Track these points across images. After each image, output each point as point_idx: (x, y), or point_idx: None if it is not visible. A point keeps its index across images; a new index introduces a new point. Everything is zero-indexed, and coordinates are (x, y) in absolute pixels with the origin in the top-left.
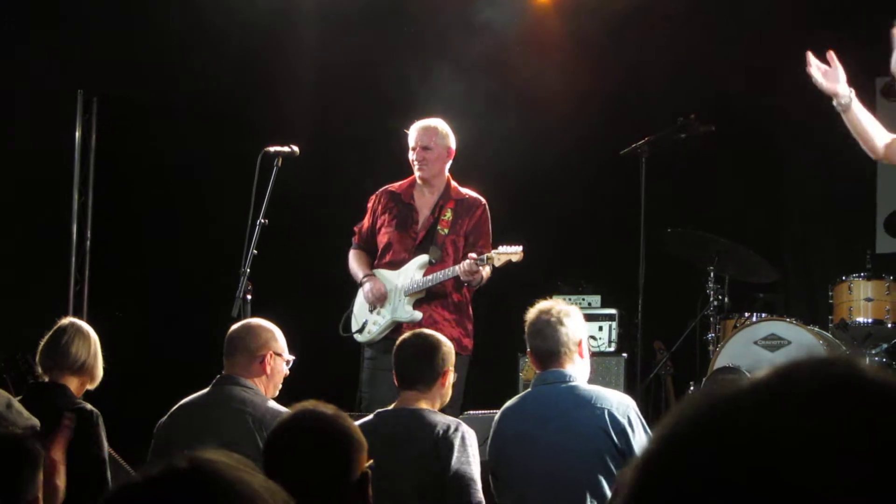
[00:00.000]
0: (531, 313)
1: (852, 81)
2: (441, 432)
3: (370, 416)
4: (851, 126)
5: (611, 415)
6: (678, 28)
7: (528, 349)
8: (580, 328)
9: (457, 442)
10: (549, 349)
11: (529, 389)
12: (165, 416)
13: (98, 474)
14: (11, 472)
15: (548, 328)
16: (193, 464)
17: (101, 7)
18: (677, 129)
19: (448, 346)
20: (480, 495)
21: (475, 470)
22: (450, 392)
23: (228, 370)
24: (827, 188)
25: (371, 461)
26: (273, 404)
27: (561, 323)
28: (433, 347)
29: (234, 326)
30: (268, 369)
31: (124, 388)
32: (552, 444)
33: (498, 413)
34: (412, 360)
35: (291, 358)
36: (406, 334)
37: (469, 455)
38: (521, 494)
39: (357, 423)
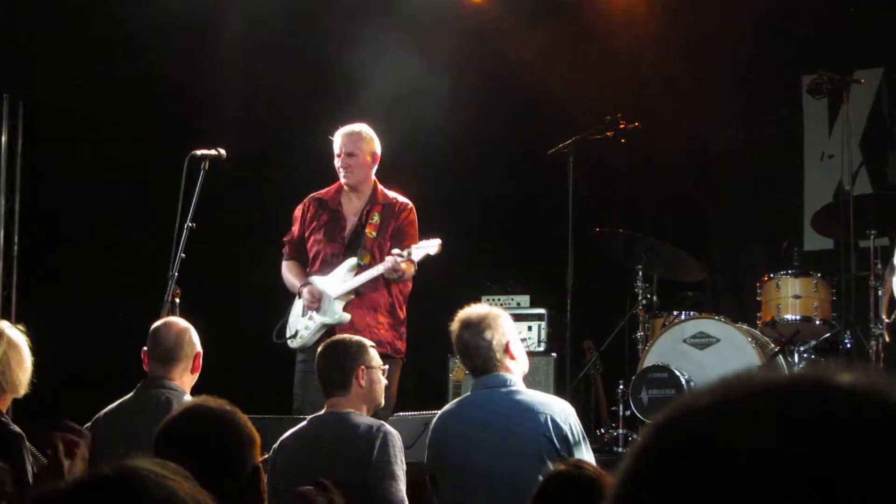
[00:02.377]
0: (454, 326)
1: (779, 80)
2: (363, 434)
3: (303, 423)
4: None
5: (553, 421)
6: (605, 24)
7: (460, 357)
8: (506, 332)
9: (378, 442)
10: (479, 364)
11: (468, 393)
12: (90, 422)
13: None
14: None
15: (472, 342)
16: (119, 470)
17: (23, 9)
18: (604, 127)
19: (355, 345)
20: (402, 494)
21: (397, 470)
22: (376, 389)
23: (158, 373)
24: (754, 185)
25: (265, 455)
26: (188, 398)
27: (482, 334)
28: (337, 350)
29: (164, 333)
30: (199, 367)
31: (55, 391)
32: (494, 447)
33: (435, 417)
34: (323, 367)
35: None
36: (322, 343)
37: (390, 455)
38: (462, 497)
39: (292, 430)
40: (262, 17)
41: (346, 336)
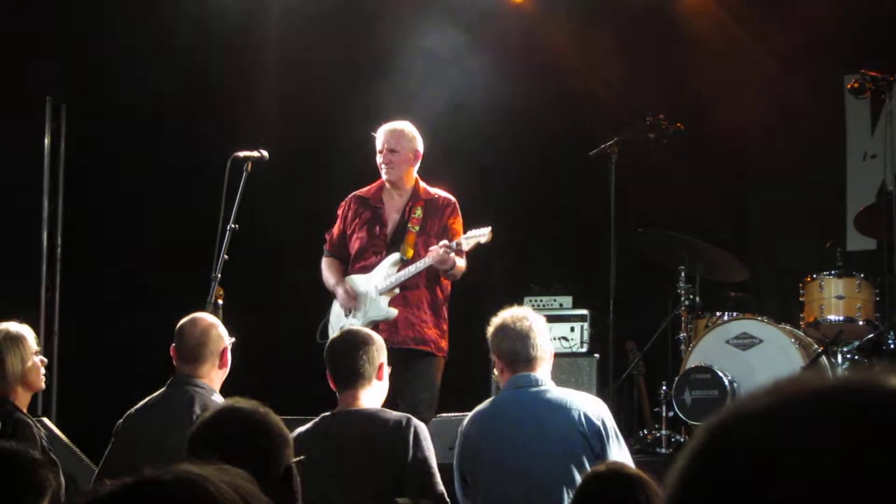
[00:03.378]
0: (501, 318)
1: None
2: (394, 429)
3: (316, 420)
4: None
5: (586, 417)
6: (646, 27)
7: (496, 352)
8: (545, 333)
9: (410, 436)
10: (524, 354)
11: (500, 394)
12: (122, 418)
13: None
14: (15, 495)
15: (521, 333)
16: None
17: (68, 13)
18: (646, 128)
19: (379, 340)
20: (441, 486)
21: (433, 462)
22: (387, 384)
23: (185, 371)
24: (797, 185)
25: (302, 457)
26: (218, 397)
27: (533, 329)
28: (365, 342)
29: (189, 330)
30: (227, 363)
31: (98, 390)
32: (527, 445)
33: (467, 418)
34: (346, 357)
35: (233, 339)
36: (336, 335)
37: (423, 448)
38: (497, 496)
39: (301, 428)
40: (302, 16)
41: (365, 329)
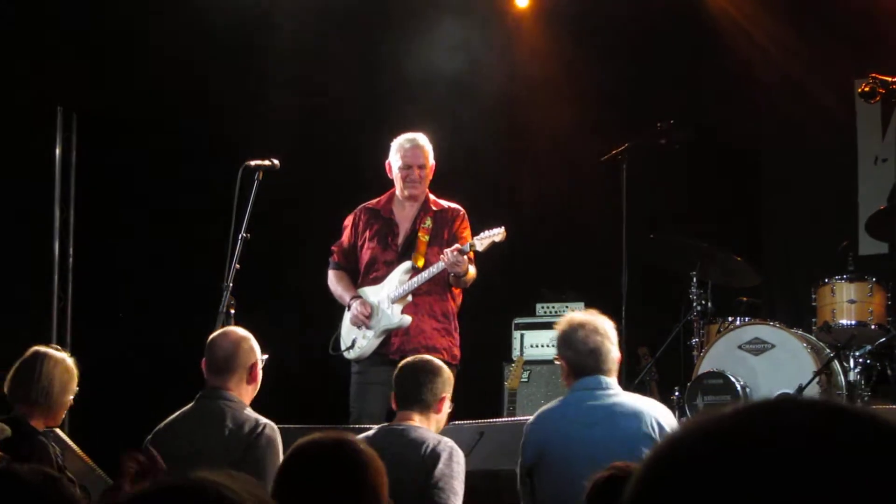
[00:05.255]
0: (570, 325)
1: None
2: (430, 445)
3: (374, 431)
4: None
5: (659, 424)
6: (657, 31)
7: (565, 360)
8: (616, 343)
9: (444, 455)
10: (595, 368)
11: (568, 394)
12: (151, 434)
13: None
14: None
15: (593, 349)
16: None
17: (80, 22)
18: (657, 134)
19: (448, 374)
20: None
21: (458, 485)
22: (443, 421)
23: (216, 384)
24: (808, 190)
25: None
26: (250, 412)
27: (605, 344)
28: (434, 372)
29: (220, 343)
30: (258, 378)
31: (111, 402)
32: (598, 444)
33: (534, 415)
34: (412, 381)
35: (265, 357)
36: (410, 357)
37: (454, 470)
38: (565, 494)
39: (360, 436)
40: (314, 25)
41: (440, 361)
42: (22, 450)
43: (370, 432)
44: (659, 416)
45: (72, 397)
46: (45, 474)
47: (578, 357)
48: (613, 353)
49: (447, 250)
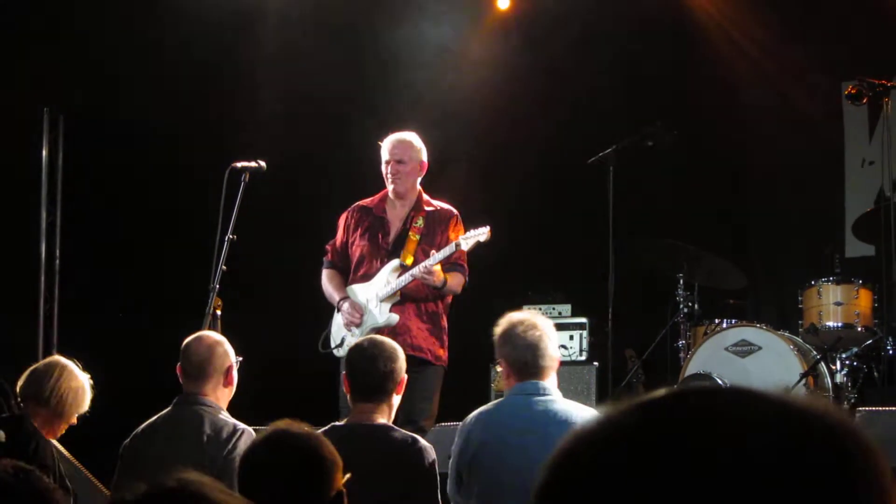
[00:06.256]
0: (509, 323)
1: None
2: (401, 449)
3: (325, 429)
4: None
5: None
6: (645, 35)
7: (504, 359)
8: (556, 343)
9: (416, 459)
10: (533, 364)
11: (505, 397)
12: (129, 438)
13: None
14: None
15: (531, 343)
16: (181, 483)
17: (66, 24)
18: (643, 136)
19: (400, 352)
20: None
21: (436, 484)
22: (399, 399)
23: (192, 389)
24: (795, 192)
25: (347, 476)
26: (226, 416)
27: (543, 339)
28: (392, 356)
29: (194, 348)
30: (233, 381)
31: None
32: (526, 452)
33: (471, 416)
34: (372, 368)
35: (240, 359)
36: (360, 341)
37: (427, 472)
38: (490, 497)
39: None
40: (301, 25)
41: (392, 341)
42: (21, 449)
43: (325, 429)
44: None
45: (76, 418)
46: (18, 467)
47: (517, 352)
48: (551, 350)
49: (418, 266)
